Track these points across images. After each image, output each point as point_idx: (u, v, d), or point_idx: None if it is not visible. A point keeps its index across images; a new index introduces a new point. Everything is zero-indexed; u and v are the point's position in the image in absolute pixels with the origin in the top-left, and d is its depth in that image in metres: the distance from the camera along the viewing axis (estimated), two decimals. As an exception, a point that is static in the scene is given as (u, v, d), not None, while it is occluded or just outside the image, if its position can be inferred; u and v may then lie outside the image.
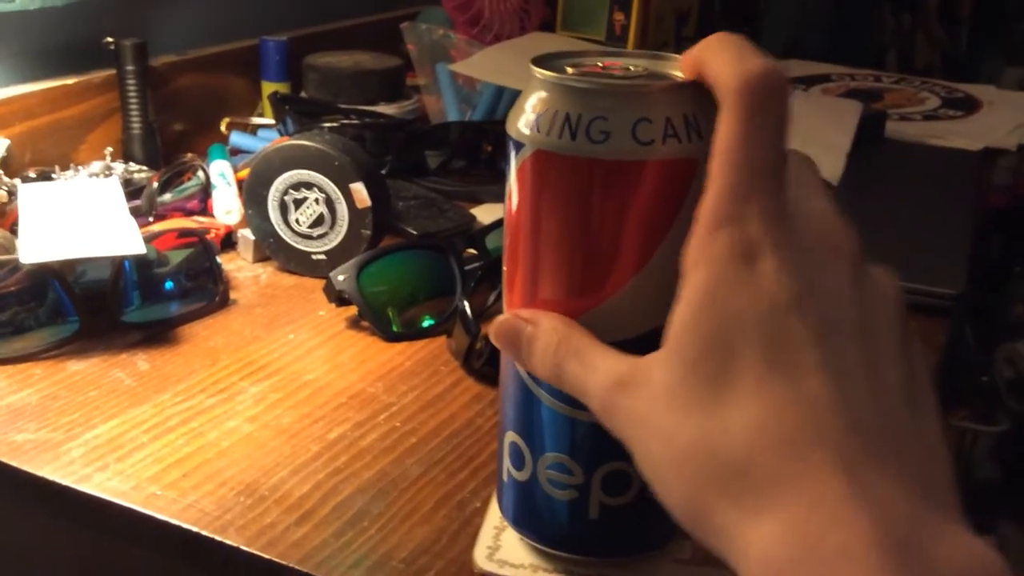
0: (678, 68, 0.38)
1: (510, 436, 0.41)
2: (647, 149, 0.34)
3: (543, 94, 0.36)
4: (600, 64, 0.38)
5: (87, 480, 0.47)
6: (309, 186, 0.67)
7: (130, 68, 0.83)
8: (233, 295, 0.66)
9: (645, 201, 0.35)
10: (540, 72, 0.36)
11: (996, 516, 1.68)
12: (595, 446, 0.39)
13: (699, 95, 0.36)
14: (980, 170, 0.93)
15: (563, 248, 0.37)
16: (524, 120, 0.36)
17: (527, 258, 0.38)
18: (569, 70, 0.37)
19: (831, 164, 0.80)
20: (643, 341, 0.37)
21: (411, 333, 0.61)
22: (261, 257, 0.71)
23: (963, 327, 1.92)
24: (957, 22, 2.29)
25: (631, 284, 0.36)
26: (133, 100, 0.84)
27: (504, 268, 0.39)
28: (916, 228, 0.75)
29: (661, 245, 0.36)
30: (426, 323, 0.63)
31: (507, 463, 0.41)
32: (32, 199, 0.65)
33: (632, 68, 0.37)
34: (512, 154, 0.37)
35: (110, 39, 0.83)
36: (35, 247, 0.58)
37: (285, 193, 0.67)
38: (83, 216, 0.63)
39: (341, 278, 0.61)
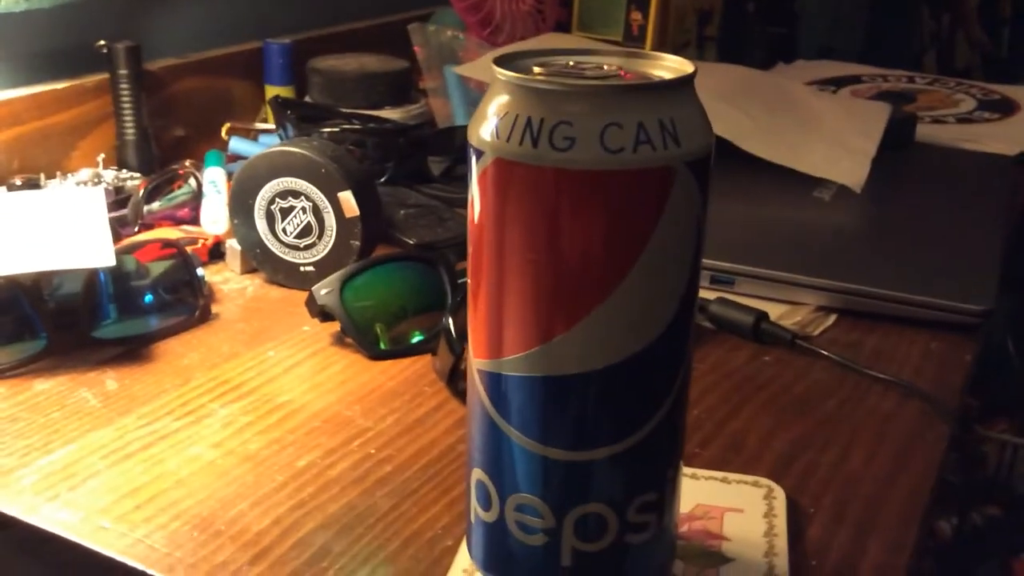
0: (657, 67, 0.34)
1: (477, 474, 0.37)
2: (616, 157, 0.31)
3: (504, 97, 0.32)
4: (571, 63, 0.34)
5: (35, 511, 0.44)
6: (296, 195, 0.64)
7: (123, 72, 0.80)
8: (216, 308, 0.63)
9: (616, 214, 0.32)
10: (500, 72, 0.32)
11: (1038, 534, 1.62)
12: (567, 487, 0.35)
13: (677, 96, 0.32)
14: (1015, 176, 0.88)
15: (529, 265, 0.33)
16: (484, 126, 0.33)
17: (491, 275, 0.34)
18: (536, 70, 0.34)
19: (854, 169, 0.76)
20: (621, 369, 0.33)
21: (397, 351, 0.58)
22: (249, 268, 0.68)
23: (1004, 337, 1.85)
24: (998, 23, 2.22)
25: (604, 306, 0.33)
26: (127, 105, 0.81)
27: (468, 282, 0.36)
28: (944, 239, 0.70)
29: (637, 262, 0.32)
30: (416, 339, 0.59)
31: (474, 503, 0.37)
32: (8, 208, 0.62)
33: (606, 67, 0.34)
34: (472, 161, 0.33)
35: (103, 42, 0.80)
36: (1, 259, 0.56)
37: (272, 202, 0.64)
38: (58, 227, 0.61)
39: (324, 292, 0.58)
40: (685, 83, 0.32)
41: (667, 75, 0.33)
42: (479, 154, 0.33)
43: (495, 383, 0.35)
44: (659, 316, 0.34)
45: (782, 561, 0.40)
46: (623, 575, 0.36)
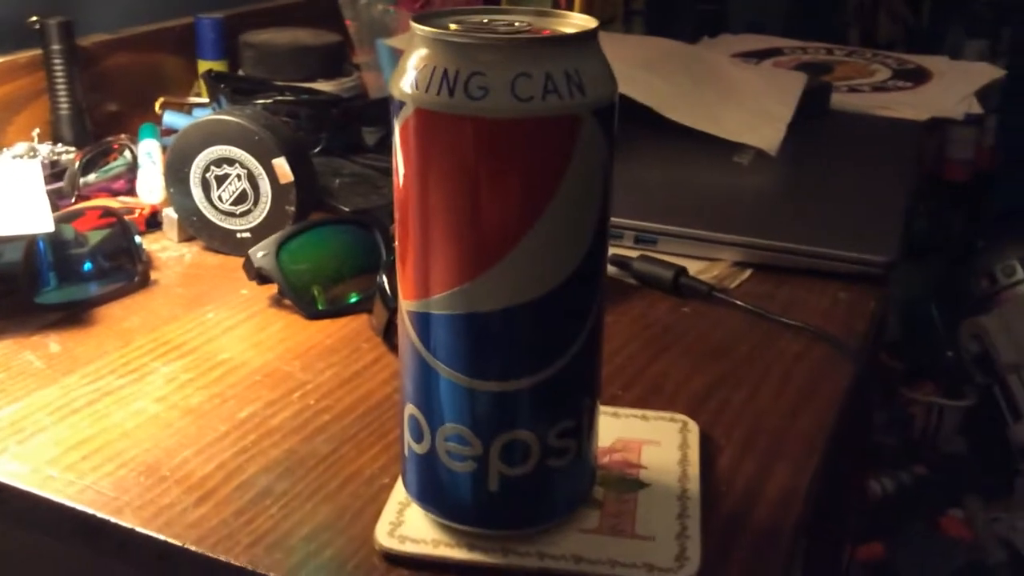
0: (564, 23, 0.37)
1: (409, 409, 0.40)
2: (526, 106, 0.33)
3: (423, 51, 0.35)
4: (485, 20, 0.37)
5: (-16, 465, 0.45)
6: (231, 162, 0.65)
7: (56, 47, 0.81)
8: (155, 275, 0.65)
9: (529, 159, 0.34)
10: (419, 28, 0.35)
11: (962, 491, 1.69)
12: (493, 416, 0.38)
13: (582, 49, 0.35)
14: (924, 140, 0.93)
15: (450, 209, 0.35)
16: (404, 78, 0.35)
17: (416, 221, 0.37)
18: (452, 27, 0.36)
19: (769, 134, 0.79)
20: (538, 305, 0.36)
21: (334, 310, 0.60)
22: (186, 236, 0.69)
23: (929, 304, 1.92)
24: (919, -3, 2.28)
25: (523, 245, 0.35)
26: (60, 80, 0.82)
27: (396, 235, 0.38)
28: (853, 198, 0.74)
29: (550, 203, 0.35)
30: (353, 299, 0.61)
31: (407, 437, 0.40)
32: (-56, 180, 0.63)
33: (517, 24, 0.36)
34: (395, 115, 0.36)
35: (35, 18, 0.81)
36: (-60, 228, 0.57)
37: (207, 170, 0.66)
38: (-5, 197, 0.62)
39: (260, 255, 0.60)
40: (589, 37, 0.35)
41: (572, 30, 0.36)
42: (400, 105, 0.35)
43: (423, 322, 0.38)
44: (572, 256, 0.36)
45: (694, 486, 0.43)
46: (546, 498, 0.39)
